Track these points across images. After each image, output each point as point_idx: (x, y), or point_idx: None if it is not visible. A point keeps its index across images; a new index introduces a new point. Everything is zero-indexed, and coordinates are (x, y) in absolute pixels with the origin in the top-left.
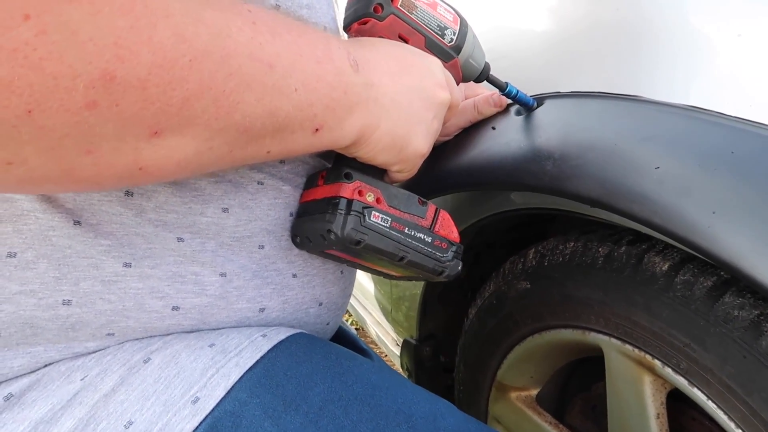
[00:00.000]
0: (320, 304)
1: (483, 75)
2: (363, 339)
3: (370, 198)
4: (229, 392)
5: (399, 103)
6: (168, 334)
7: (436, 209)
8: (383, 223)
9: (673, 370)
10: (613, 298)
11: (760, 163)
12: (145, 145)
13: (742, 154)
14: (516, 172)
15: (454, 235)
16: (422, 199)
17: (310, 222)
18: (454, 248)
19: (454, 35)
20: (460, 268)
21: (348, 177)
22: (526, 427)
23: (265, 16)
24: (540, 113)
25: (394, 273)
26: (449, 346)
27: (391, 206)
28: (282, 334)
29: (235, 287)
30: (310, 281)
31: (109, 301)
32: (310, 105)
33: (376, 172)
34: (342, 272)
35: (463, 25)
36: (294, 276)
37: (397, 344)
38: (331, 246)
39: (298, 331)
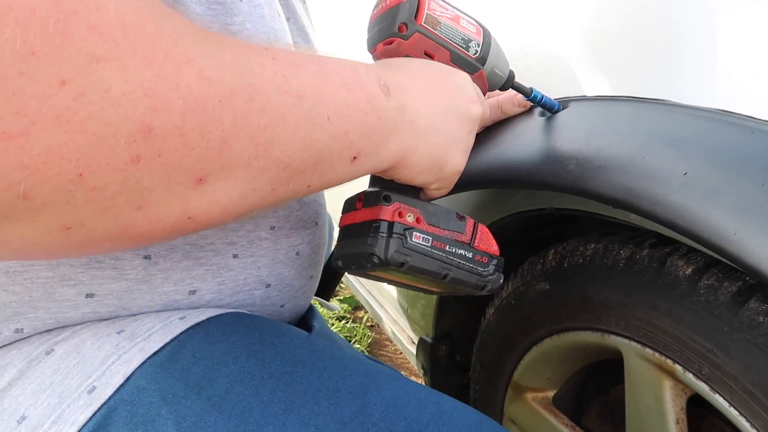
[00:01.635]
0: (268, 286)
1: (508, 83)
2: (378, 336)
3: (410, 218)
4: (128, 379)
5: (435, 124)
6: (83, 323)
7: (475, 223)
8: (425, 243)
9: (695, 375)
10: (634, 301)
11: None
12: (192, 193)
13: None
14: (538, 171)
15: (494, 248)
16: (460, 214)
17: (351, 246)
18: (495, 261)
19: (478, 47)
20: (501, 281)
21: (387, 199)
22: (542, 428)
23: (284, 51)
24: (564, 115)
25: (435, 289)
26: (465, 345)
27: (430, 224)
28: (204, 314)
29: (161, 269)
30: (255, 262)
31: (14, 292)
32: (345, 133)
33: (413, 190)
34: (298, 254)
35: (487, 36)
36: (235, 256)
37: (413, 342)
38: (375, 269)
39: (230, 311)
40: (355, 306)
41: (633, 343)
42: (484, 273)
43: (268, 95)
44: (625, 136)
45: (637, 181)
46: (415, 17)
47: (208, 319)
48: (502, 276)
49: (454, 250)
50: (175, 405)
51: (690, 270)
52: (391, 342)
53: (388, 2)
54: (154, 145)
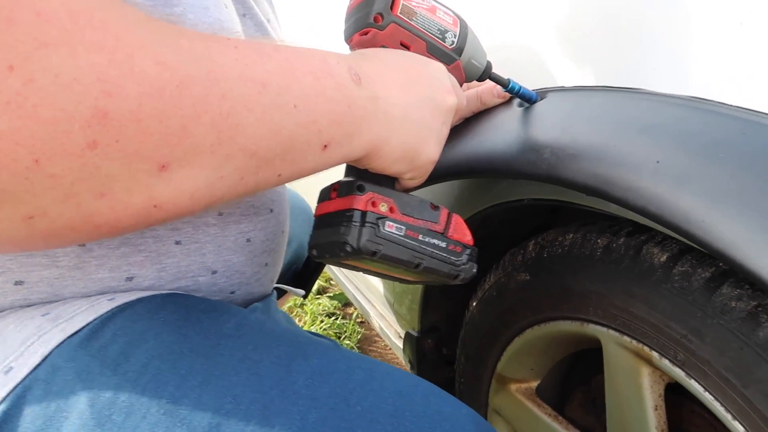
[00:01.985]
0: (214, 273)
1: (485, 74)
2: (368, 332)
3: (383, 208)
4: (45, 359)
5: (409, 115)
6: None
7: (449, 213)
8: (398, 232)
9: (671, 361)
10: (611, 290)
11: (759, 153)
12: (156, 181)
13: (740, 144)
14: (515, 160)
15: (468, 238)
16: (434, 204)
17: (325, 235)
18: (468, 251)
19: (455, 38)
20: (474, 270)
21: (360, 189)
22: (525, 419)
23: (247, 42)
24: (542, 105)
25: (409, 278)
26: (452, 338)
27: (404, 214)
28: (136, 295)
29: (95, 256)
30: (200, 248)
31: None
32: (313, 121)
33: (388, 180)
34: (248, 240)
35: (463, 27)
36: (177, 243)
37: (400, 337)
38: (348, 257)
39: (165, 292)
40: (345, 302)
41: (611, 331)
42: (457, 262)
43: (229, 82)
44: (598, 125)
45: (610, 168)
46: (391, 8)
47: (138, 300)
48: (476, 265)
49: (427, 240)
50: (90, 382)
51: (665, 257)
52: (381, 338)
53: None
54: (110, 130)
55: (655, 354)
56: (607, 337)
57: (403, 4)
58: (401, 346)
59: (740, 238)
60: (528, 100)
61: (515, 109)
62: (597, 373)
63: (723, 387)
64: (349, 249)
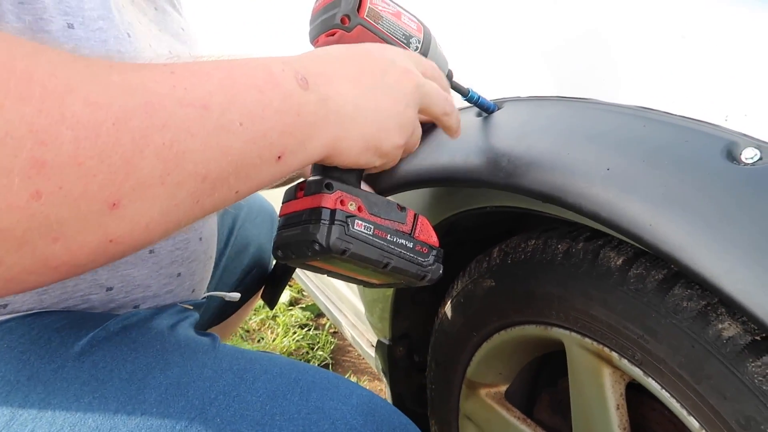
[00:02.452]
0: (109, 289)
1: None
2: (341, 342)
3: (352, 207)
4: None
5: (363, 106)
6: None
7: (415, 215)
8: (366, 231)
9: (629, 361)
10: (571, 293)
11: (700, 159)
12: (108, 218)
13: (682, 151)
14: (475, 169)
15: (434, 239)
16: (401, 205)
17: (292, 234)
18: (434, 252)
19: (419, 43)
20: (441, 271)
21: (329, 187)
22: (496, 423)
23: (184, 64)
24: (499, 115)
25: (375, 281)
26: (423, 345)
27: (372, 214)
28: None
29: None
30: None
31: None
32: (262, 136)
33: (355, 178)
34: (151, 251)
35: (427, 34)
36: None
37: (372, 346)
38: (316, 257)
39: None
40: (318, 313)
41: (573, 334)
42: (424, 263)
43: (168, 110)
44: (552, 134)
45: (563, 176)
46: (358, 10)
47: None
48: (442, 266)
49: (395, 240)
50: None
51: (621, 260)
52: (355, 348)
53: None
54: (52, 178)
55: (614, 354)
56: (570, 339)
57: (369, 7)
58: (373, 354)
59: (685, 241)
60: (486, 109)
61: (474, 119)
62: (563, 376)
63: (677, 384)
64: (317, 247)
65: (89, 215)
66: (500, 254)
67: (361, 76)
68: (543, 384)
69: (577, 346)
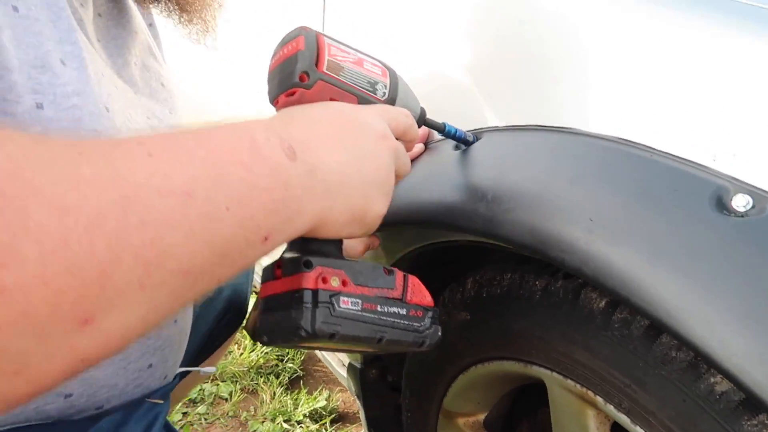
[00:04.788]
0: (68, 396)
1: (420, 120)
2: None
3: (335, 283)
4: None
5: (348, 174)
6: None
7: (404, 276)
8: (354, 308)
9: (616, 408)
10: (552, 335)
11: (689, 209)
12: (79, 337)
13: (670, 198)
14: (451, 212)
15: (428, 299)
16: (387, 267)
17: (275, 320)
18: (430, 314)
19: (386, 88)
20: (440, 333)
21: (308, 265)
22: None
23: (162, 141)
24: (476, 148)
25: (373, 350)
26: (397, 365)
27: (358, 284)
28: None
29: None
30: None
31: None
32: (250, 218)
33: (335, 246)
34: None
35: (393, 76)
36: None
37: (344, 365)
38: (304, 342)
39: None
40: None
41: (555, 374)
42: (420, 328)
43: (146, 203)
44: (532, 173)
45: (545, 226)
46: (316, 65)
47: None
48: (440, 328)
49: (386, 309)
50: None
51: (603, 303)
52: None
53: (286, 51)
54: (13, 305)
55: (599, 399)
56: (551, 379)
57: (328, 59)
58: (345, 374)
59: (674, 306)
60: (465, 142)
61: (451, 153)
62: (542, 405)
63: None
64: (303, 334)
65: (57, 338)
66: (474, 286)
67: (343, 142)
68: (522, 412)
69: (558, 387)
